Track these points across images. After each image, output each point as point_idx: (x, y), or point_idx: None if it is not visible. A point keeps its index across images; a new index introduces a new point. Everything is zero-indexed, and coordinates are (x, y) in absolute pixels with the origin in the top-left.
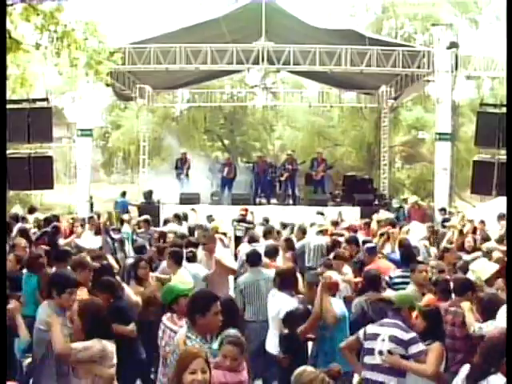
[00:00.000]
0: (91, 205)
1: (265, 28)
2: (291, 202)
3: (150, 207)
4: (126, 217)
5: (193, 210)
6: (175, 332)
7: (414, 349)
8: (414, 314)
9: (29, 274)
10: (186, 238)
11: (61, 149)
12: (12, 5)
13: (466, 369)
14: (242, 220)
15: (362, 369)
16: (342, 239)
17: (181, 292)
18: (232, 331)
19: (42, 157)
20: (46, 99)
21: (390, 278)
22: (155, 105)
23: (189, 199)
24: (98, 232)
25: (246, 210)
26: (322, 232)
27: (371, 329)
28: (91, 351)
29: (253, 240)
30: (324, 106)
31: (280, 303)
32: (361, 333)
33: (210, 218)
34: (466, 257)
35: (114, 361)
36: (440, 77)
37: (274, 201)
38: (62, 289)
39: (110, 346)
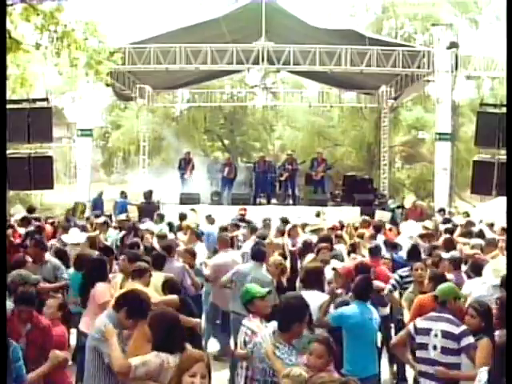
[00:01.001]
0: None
1: (265, 28)
2: (291, 202)
3: (150, 207)
4: (122, 217)
5: (193, 210)
6: (254, 332)
7: (465, 341)
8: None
9: (75, 272)
10: (165, 238)
11: (61, 149)
12: (12, 5)
13: (484, 374)
14: (242, 220)
15: (417, 363)
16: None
17: (257, 294)
18: (320, 330)
19: (42, 157)
20: (46, 99)
21: (401, 277)
22: (155, 105)
23: (189, 199)
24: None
25: (245, 210)
26: (316, 232)
27: (421, 323)
28: (148, 367)
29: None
30: (324, 106)
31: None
32: (411, 328)
33: (209, 218)
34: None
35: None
36: (440, 77)
37: (274, 201)
38: None
39: (172, 360)
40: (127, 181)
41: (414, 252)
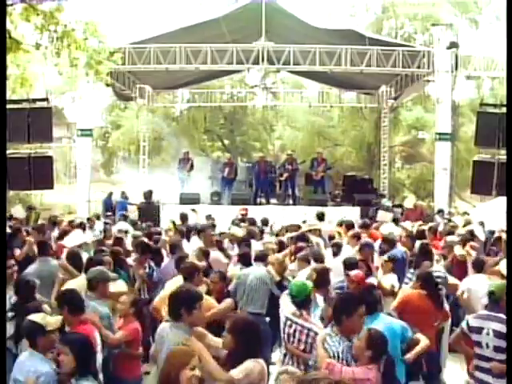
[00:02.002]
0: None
1: (265, 28)
2: (291, 202)
3: (149, 207)
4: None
5: (193, 210)
6: (308, 329)
7: None
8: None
9: (118, 271)
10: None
11: (61, 149)
12: (12, 5)
13: None
14: (243, 220)
15: (474, 359)
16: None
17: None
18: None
19: (42, 157)
20: (46, 99)
21: None
22: (155, 105)
23: (189, 199)
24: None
25: (246, 210)
26: (311, 232)
27: (474, 322)
28: (252, 377)
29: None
30: (324, 106)
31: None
32: (464, 325)
33: (209, 218)
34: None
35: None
36: (440, 77)
37: (273, 201)
38: (192, 305)
39: (264, 365)
40: (127, 181)
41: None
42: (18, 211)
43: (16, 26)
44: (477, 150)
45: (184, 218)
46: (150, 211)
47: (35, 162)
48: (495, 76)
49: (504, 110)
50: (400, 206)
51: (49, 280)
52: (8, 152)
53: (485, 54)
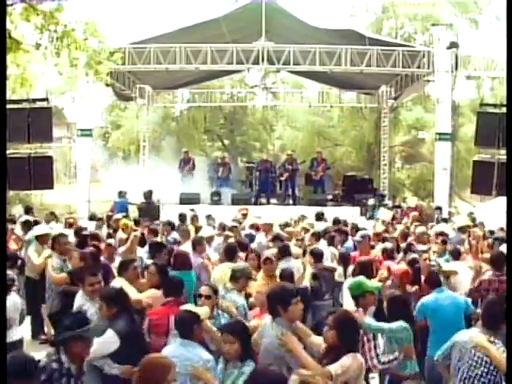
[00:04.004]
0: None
1: (265, 28)
2: (291, 202)
3: (149, 207)
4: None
5: (192, 210)
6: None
7: None
8: None
9: (187, 272)
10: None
11: (61, 149)
12: (12, 5)
13: None
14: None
15: None
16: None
17: (369, 288)
18: None
19: (42, 157)
20: (46, 99)
21: None
22: (155, 105)
23: (189, 199)
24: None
25: (247, 210)
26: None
27: None
28: (350, 373)
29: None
30: (324, 106)
31: None
32: None
33: (209, 218)
34: None
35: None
36: (440, 77)
37: (273, 201)
38: (288, 301)
39: (362, 360)
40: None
41: None
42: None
43: (16, 26)
44: (477, 149)
45: (183, 218)
46: (149, 211)
47: (35, 161)
48: (495, 76)
49: (504, 110)
50: (399, 206)
51: None
52: (8, 152)
53: (485, 54)
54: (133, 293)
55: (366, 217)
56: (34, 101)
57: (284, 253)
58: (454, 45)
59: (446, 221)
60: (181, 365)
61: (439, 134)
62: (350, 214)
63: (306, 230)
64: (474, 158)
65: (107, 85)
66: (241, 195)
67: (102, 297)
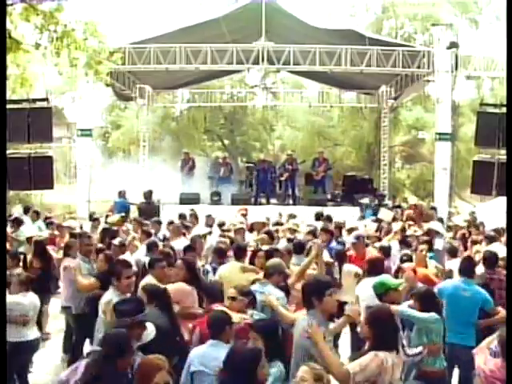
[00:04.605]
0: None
1: (265, 28)
2: (291, 202)
3: (149, 207)
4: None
5: (192, 210)
6: None
7: None
8: None
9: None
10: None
11: (61, 149)
12: (12, 5)
13: None
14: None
15: None
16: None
17: (392, 286)
18: None
19: (42, 157)
20: (46, 99)
21: None
22: (155, 105)
23: (189, 199)
24: None
25: (246, 210)
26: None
27: None
28: (368, 372)
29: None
30: (324, 106)
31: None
32: None
33: (209, 218)
34: None
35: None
36: (440, 77)
37: (273, 201)
38: (322, 293)
39: (391, 359)
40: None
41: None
42: None
43: (16, 26)
44: (477, 149)
45: (183, 218)
46: (149, 211)
47: (35, 161)
48: (495, 76)
49: (504, 110)
50: (399, 206)
51: None
52: (8, 152)
53: (485, 54)
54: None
55: (359, 216)
56: (34, 101)
57: (299, 249)
58: (453, 45)
59: (441, 220)
60: (208, 365)
61: (439, 133)
62: (349, 214)
63: (293, 231)
64: (473, 158)
65: (107, 85)
66: (241, 195)
67: (144, 290)
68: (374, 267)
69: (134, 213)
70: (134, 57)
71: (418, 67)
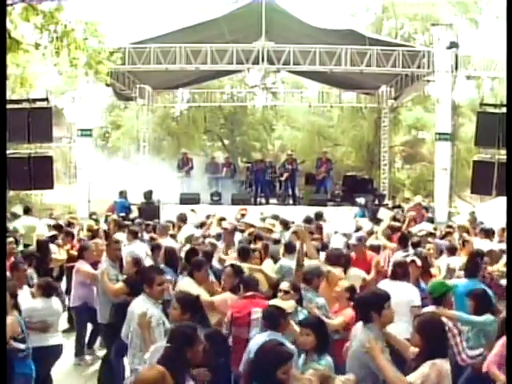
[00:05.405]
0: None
1: (265, 28)
2: (291, 202)
3: (149, 207)
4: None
5: (192, 210)
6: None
7: None
8: None
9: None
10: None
11: (61, 149)
12: (12, 5)
13: None
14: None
15: None
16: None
17: (450, 288)
18: None
19: (42, 157)
20: (46, 99)
21: None
22: (155, 105)
23: (189, 199)
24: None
25: (246, 210)
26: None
27: None
28: (429, 382)
29: None
30: (324, 106)
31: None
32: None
33: (209, 218)
34: None
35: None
36: (440, 77)
37: (273, 201)
38: (382, 306)
39: (446, 367)
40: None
41: None
42: None
43: (16, 25)
44: (477, 149)
45: (183, 218)
46: (149, 211)
47: (35, 161)
48: (495, 76)
49: (504, 110)
50: (399, 206)
51: None
52: (8, 152)
53: (485, 54)
54: (204, 295)
55: (355, 217)
56: (34, 101)
57: (290, 249)
58: (453, 45)
59: (432, 221)
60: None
61: (439, 133)
62: (349, 214)
63: (269, 230)
64: (473, 158)
65: (107, 85)
66: (241, 195)
67: (178, 300)
68: (401, 269)
69: (133, 213)
70: (133, 57)
71: (418, 67)
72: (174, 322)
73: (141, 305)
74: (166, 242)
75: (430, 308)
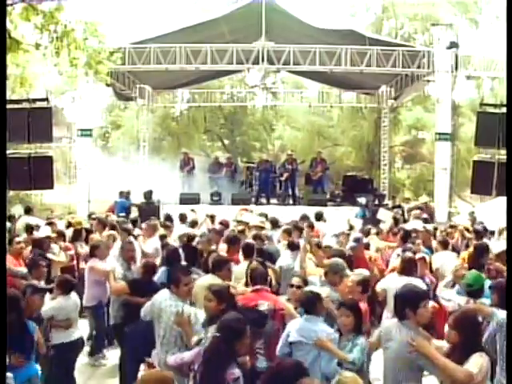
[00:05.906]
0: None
1: (265, 28)
2: (291, 202)
3: (149, 207)
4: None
5: (192, 210)
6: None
7: None
8: None
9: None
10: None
11: (61, 149)
12: (12, 4)
13: None
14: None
15: None
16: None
17: (484, 280)
18: None
19: (42, 157)
20: (46, 99)
21: None
22: (155, 105)
23: (189, 199)
24: None
25: (246, 210)
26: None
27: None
28: (484, 371)
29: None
30: (324, 106)
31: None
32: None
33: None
34: None
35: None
36: (440, 77)
37: (273, 201)
38: (418, 304)
39: (487, 361)
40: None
41: None
42: None
43: (16, 25)
44: (477, 149)
45: (183, 218)
46: (149, 211)
47: (35, 161)
48: (495, 76)
49: (504, 110)
50: (399, 206)
51: None
52: (8, 152)
53: (485, 54)
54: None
55: (356, 216)
56: (34, 101)
57: (293, 247)
58: (453, 45)
59: (426, 220)
60: (307, 336)
61: (439, 133)
62: (349, 214)
63: (260, 228)
64: (473, 158)
65: (107, 85)
66: (241, 195)
67: (214, 292)
68: (409, 266)
69: (133, 213)
70: (133, 57)
71: (418, 67)
72: (209, 312)
73: (171, 303)
74: (150, 241)
75: (465, 302)
